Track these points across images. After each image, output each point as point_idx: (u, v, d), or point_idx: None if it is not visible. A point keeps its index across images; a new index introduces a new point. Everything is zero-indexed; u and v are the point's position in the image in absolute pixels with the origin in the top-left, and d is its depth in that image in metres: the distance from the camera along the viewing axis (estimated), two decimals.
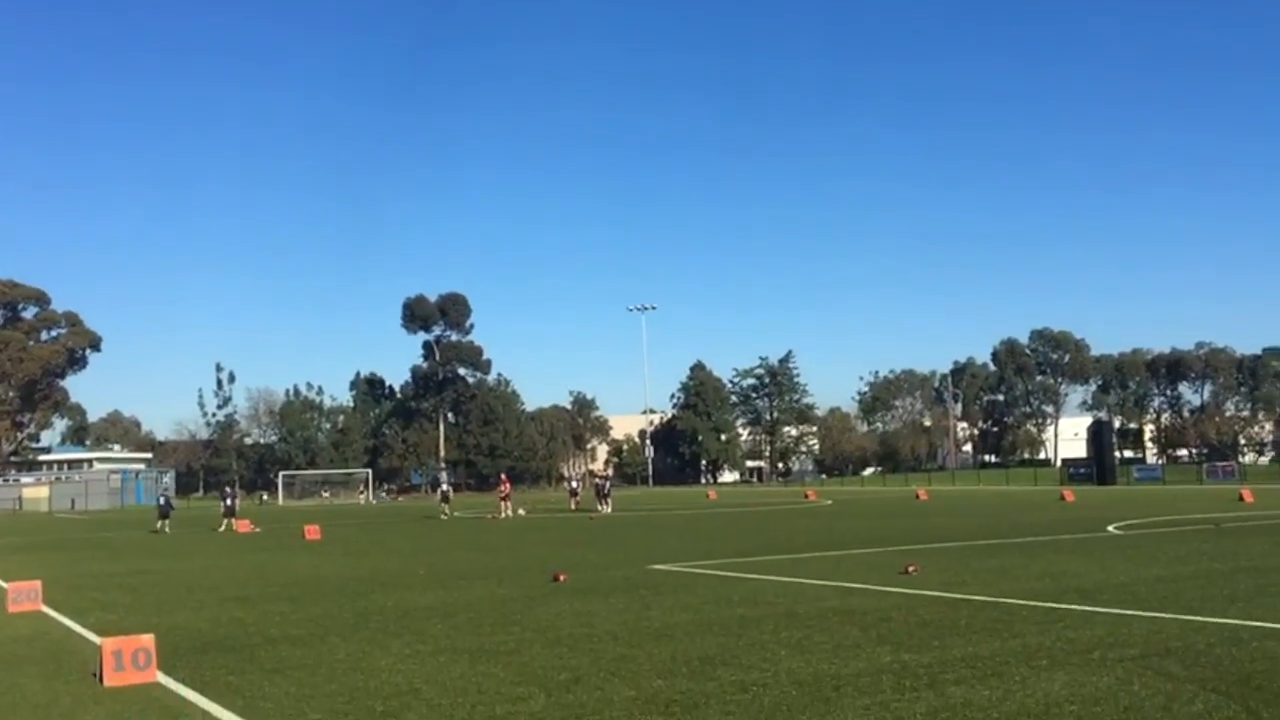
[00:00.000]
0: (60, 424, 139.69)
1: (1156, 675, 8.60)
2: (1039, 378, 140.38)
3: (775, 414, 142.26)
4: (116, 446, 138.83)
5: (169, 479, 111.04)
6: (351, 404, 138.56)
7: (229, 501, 46.17)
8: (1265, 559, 18.04)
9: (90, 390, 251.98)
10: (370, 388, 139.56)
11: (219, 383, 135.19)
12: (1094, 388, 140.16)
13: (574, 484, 62.45)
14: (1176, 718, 7.21)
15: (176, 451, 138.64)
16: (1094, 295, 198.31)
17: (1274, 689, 7.95)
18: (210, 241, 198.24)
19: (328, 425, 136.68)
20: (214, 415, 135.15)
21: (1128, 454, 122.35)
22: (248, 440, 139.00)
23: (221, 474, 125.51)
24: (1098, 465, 77.55)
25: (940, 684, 8.54)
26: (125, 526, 52.18)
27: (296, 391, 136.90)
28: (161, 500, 48.59)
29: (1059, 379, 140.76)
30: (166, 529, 43.89)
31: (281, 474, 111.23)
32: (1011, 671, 8.92)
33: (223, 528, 43.39)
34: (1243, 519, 29.90)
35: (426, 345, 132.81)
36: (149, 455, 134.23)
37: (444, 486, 58.58)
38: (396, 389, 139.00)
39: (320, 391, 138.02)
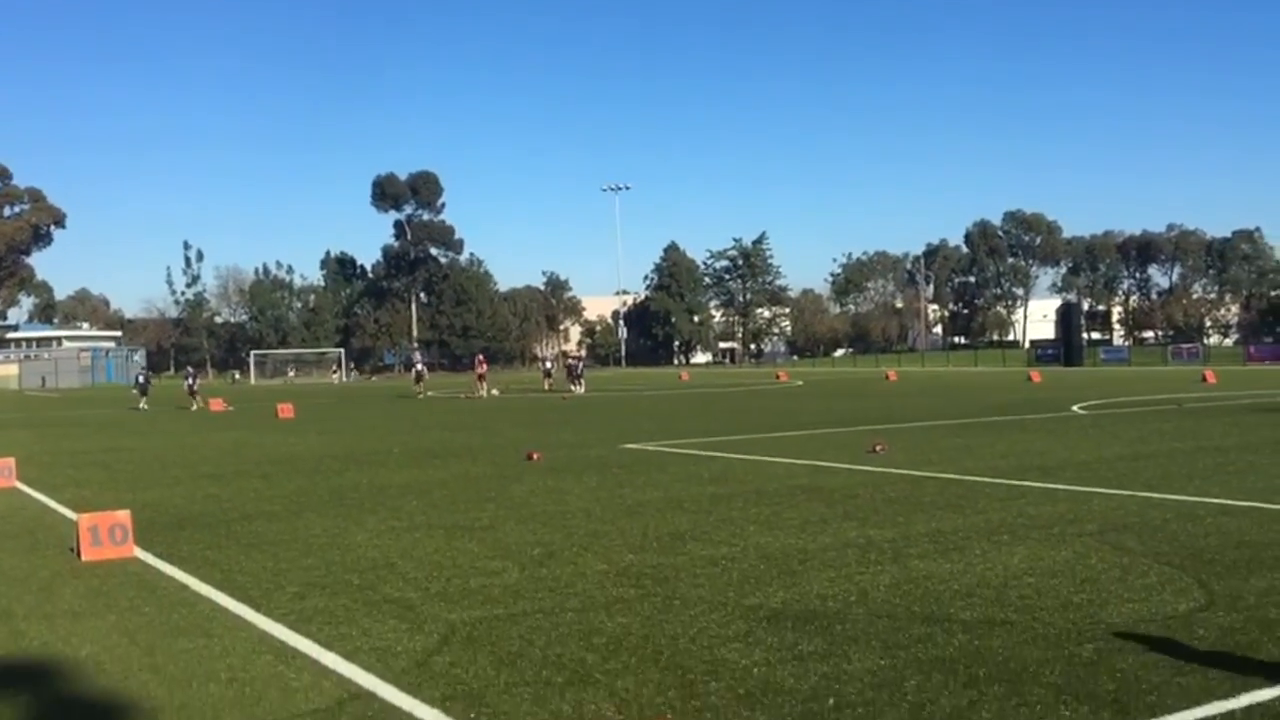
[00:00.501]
0: (27, 302, 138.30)
1: (1113, 549, 8.86)
2: (1010, 260, 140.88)
3: (748, 295, 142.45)
4: (85, 325, 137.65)
5: (140, 357, 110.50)
6: (322, 283, 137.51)
7: (189, 382, 47.50)
8: (1224, 438, 18.46)
9: (57, 268, 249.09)
10: (341, 267, 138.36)
11: (187, 261, 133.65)
12: (1064, 270, 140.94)
13: (547, 364, 62.56)
14: (1131, 589, 7.46)
15: (146, 330, 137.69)
16: (1068, 177, 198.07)
17: (1225, 562, 8.22)
18: (175, 116, 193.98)
19: (298, 304, 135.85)
20: (183, 294, 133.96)
21: (1095, 336, 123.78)
22: (218, 319, 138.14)
23: (192, 353, 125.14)
24: (1065, 347, 78.53)
25: (904, 557, 8.77)
26: (97, 404, 52.14)
27: (266, 270, 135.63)
28: (140, 379, 49.50)
29: (1030, 261, 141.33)
30: (145, 405, 44.34)
31: (253, 353, 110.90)
32: (973, 546, 9.17)
33: (194, 407, 43.66)
34: (1205, 399, 30.48)
35: (398, 224, 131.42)
36: (118, 334, 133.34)
37: (419, 366, 58.55)
38: (368, 268, 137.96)
39: (290, 270, 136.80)
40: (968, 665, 5.83)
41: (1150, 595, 7.28)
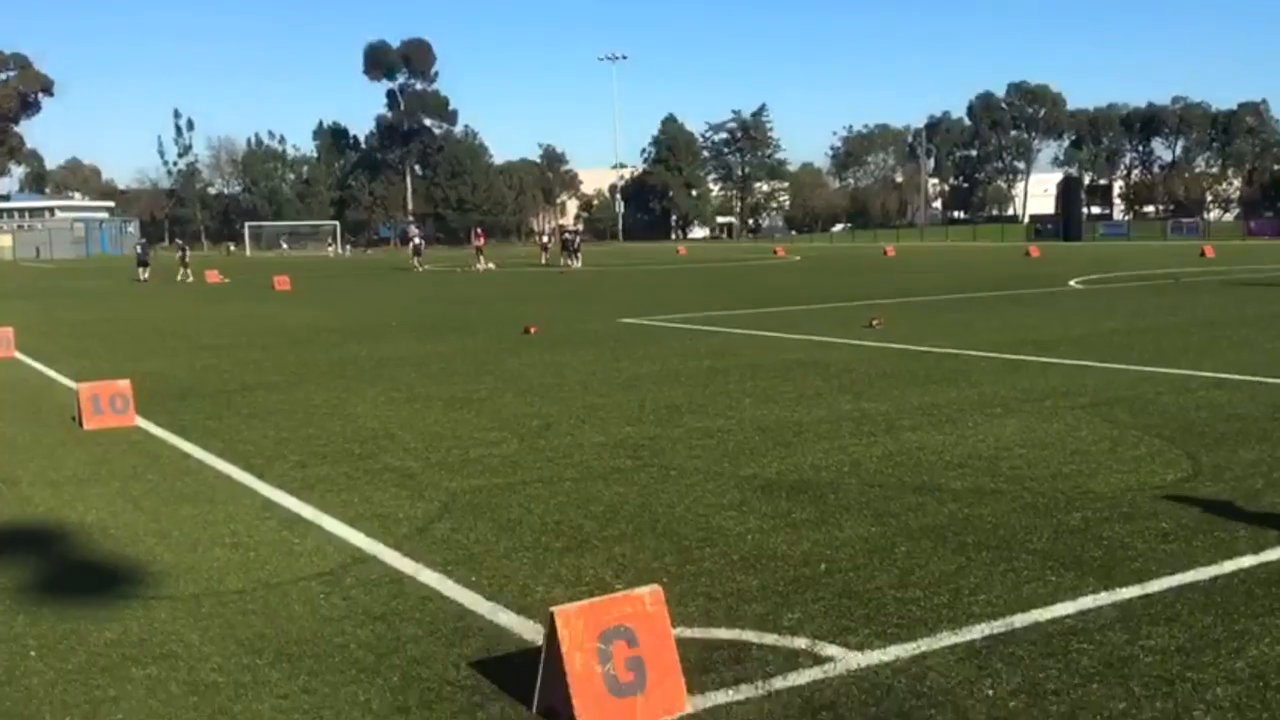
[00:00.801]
0: (18, 171, 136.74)
1: (1104, 422, 8.97)
2: (1013, 133, 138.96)
3: (747, 169, 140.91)
4: (77, 195, 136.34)
5: (134, 228, 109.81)
6: (315, 155, 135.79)
7: (179, 254, 48.44)
8: (1220, 312, 18.51)
9: (47, 137, 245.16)
10: (334, 138, 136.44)
11: (178, 130, 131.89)
12: (1067, 143, 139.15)
13: (544, 238, 62.33)
14: (1120, 460, 7.58)
15: (139, 201, 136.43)
16: (1073, 48, 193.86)
17: (1215, 434, 8.33)
18: None
19: (291, 176, 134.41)
20: (175, 164, 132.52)
21: (1095, 210, 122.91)
22: (211, 190, 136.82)
23: (186, 224, 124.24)
24: (1065, 221, 78.01)
25: (897, 429, 8.88)
26: (93, 275, 52.02)
27: (258, 140, 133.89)
28: (138, 249, 49.87)
29: (1033, 134, 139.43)
30: (146, 276, 44.59)
31: (248, 225, 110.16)
32: (966, 418, 9.27)
33: (189, 278, 43.95)
34: (1202, 274, 30.45)
35: (390, 94, 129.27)
36: (111, 204, 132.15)
37: (416, 240, 58.36)
38: (361, 140, 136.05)
39: (283, 141, 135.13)
40: (957, 533, 5.95)
41: (1139, 466, 7.40)
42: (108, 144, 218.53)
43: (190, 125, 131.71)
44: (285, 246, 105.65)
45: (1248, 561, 5.34)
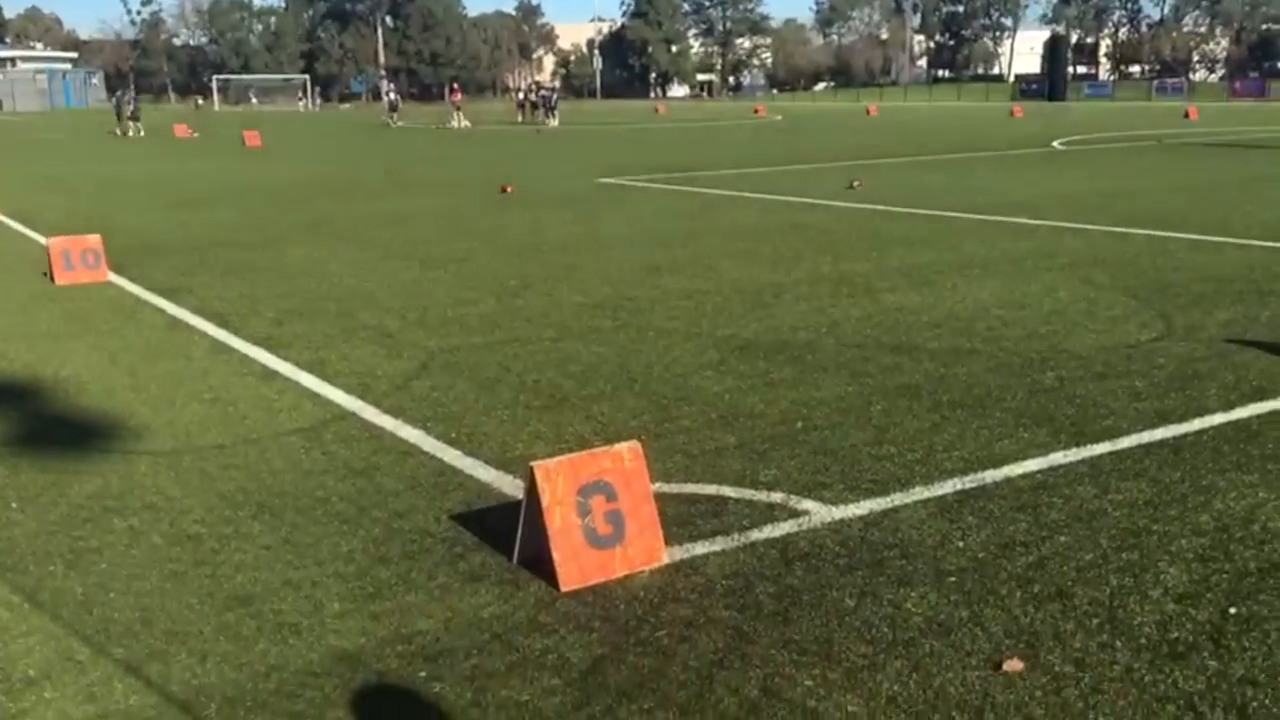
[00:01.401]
0: None
1: (1082, 283, 8.99)
2: None
3: (728, 24, 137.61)
4: (39, 45, 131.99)
5: (98, 80, 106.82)
6: (283, 4, 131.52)
7: (129, 106, 45.76)
8: (1202, 175, 18.44)
9: None
10: None
11: None
12: (1055, 0, 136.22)
13: (521, 95, 61.16)
14: (1096, 320, 7.62)
15: (102, 52, 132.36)
16: None
17: (1191, 294, 8.38)
18: None
19: (259, 27, 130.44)
20: (138, 14, 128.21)
21: (1081, 70, 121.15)
22: (176, 41, 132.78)
23: (152, 76, 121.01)
24: (1050, 81, 76.91)
25: (875, 291, 8.88)
26: (59, 128, 50.73)
27: None
28: (114, 102, 48.58)
29: None
30: (132, 130, 43.38)
31: (215, 78, 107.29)
32: (944, 280, 9.28)
33: (130, 132, 42.89)
34: (1186, 135, 30.23)
35: None
36: (74, 55, 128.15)
37: (391, 95, 57.35)
38: None
39: None
40: (932, 391, 6.01)
41: (1115, 326, 7.45)
42: None
43: None
44: (255, 101, 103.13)
45: (1217, 419, 5.43)
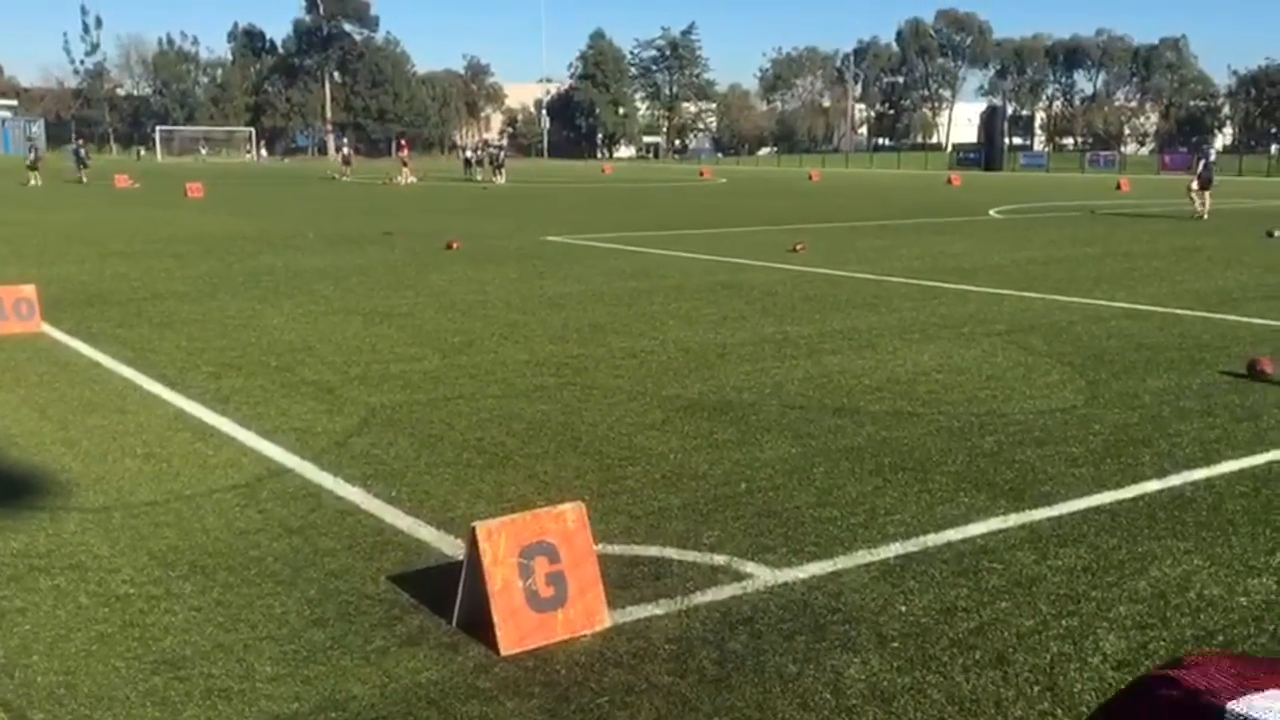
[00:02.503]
0: None
1: (1020, 349, 9.14)
2: (940, 60, 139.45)
3: (675, 89, 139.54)
4: None
5: (38, 128, 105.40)
6: (230, 58, 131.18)
7: (79, 154, 47.17)
8: (1133, 244, 18.92)
9: None
10: (250, 40, 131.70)
11: (85, 27, 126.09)
12: (992, 73, 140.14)
13: (468, 153, 61.59)
14: (1033, 386, 7.74)
15: (44, 100, 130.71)
16: None
17: (1125, 362, 8.55)
18: None
19: (205, 79, 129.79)
20: (82, 62, 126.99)
21: (1017, 141, 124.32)
22: (120, 91, 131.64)
23: (94, 125, 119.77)
24: (987, 151, 78.82)
25: (818, 353, 8.96)
26: None
27: (170, 41, 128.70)
28: (76, 150, 48.92)
29: (959, 62, 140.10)
30: (85, 178, 43.54)
31: (159, 129, 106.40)
32: (885, 343, 9.39)
33: (83, 179, 43.37)
34: (1118, 206, 31.05)
35: None
36: (14, 103, 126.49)
37: (345, 150, 58.58)
38: (278, 44, 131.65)
39: (196, 42, 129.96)
40: (875, 454, 6.05)
41: (1052, 392, 7.57)
42: (9, 40, 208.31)
43: (99, 23, 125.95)
44: (204, 152, 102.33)
45: (1152, 486, 5.51)
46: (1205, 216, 25.55)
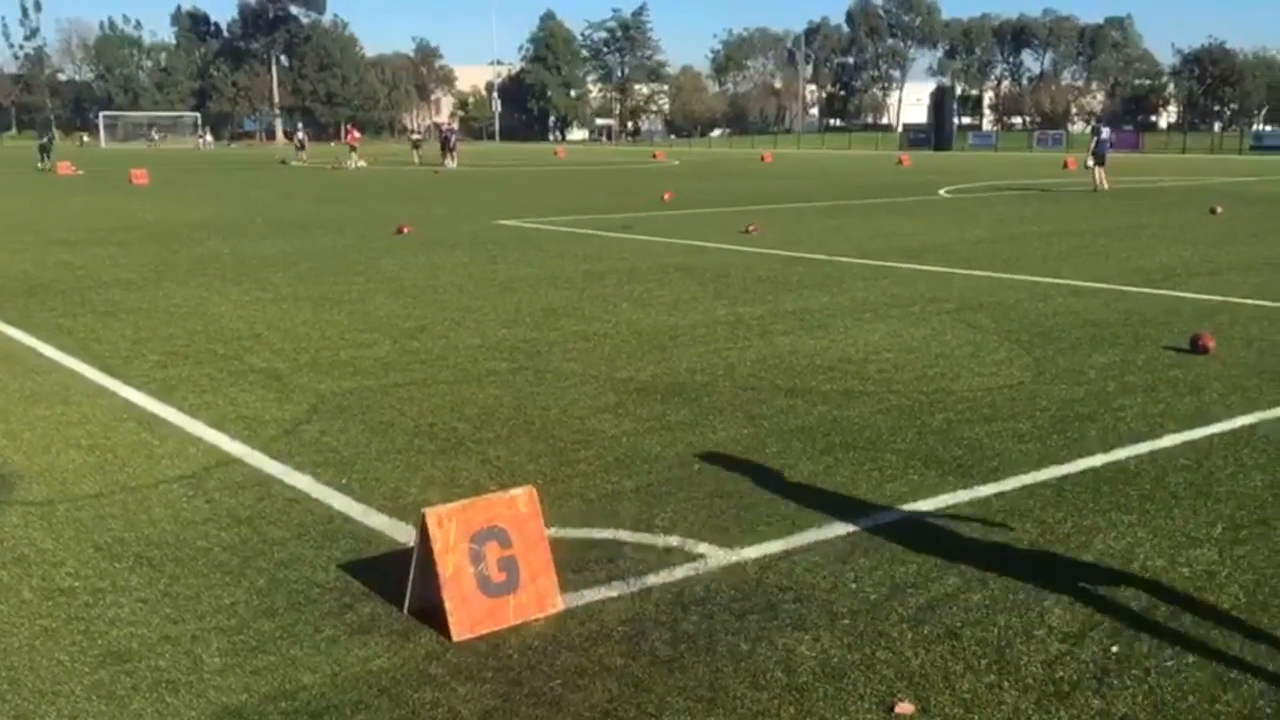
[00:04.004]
0: None
1: (968, 327, 9.24)
2: (890, 41, 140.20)
3: (626, 71, 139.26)
4: None
5: None
6: (174, 41, 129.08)
7: (45, 139, 45.24)
8: (1079, 222, 19.15)
9: None
10: (194, 24, 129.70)
11: (24, 10, 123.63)
12: (941, 53, 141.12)
13: (416, 136, 61.50)
14: (981, 364, 7.82)
15: None
16: None
17: (1071, 339, 8.66)
18: None
19: (149, 63, 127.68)
20: (21, 47, 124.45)
21: (966, 121, 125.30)
22: (61, 76, 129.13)
23: (35, 112, 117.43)
24: (936, 131, 79.36)
25: (770, 334, 9.00)
26: None
27: (112, 24, 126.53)
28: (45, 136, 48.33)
29: (908, 43, 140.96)
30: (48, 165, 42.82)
31: (102, 114, 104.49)
32: (837, 323, 9.44)
33: (46, 166, 42.41)
34: (1064, 185, 31.41)
35: None
36: None
37: (299, 135, 58.42)
38: (223, 27, 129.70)
39: (139, 26, 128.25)
40: (826, 434, 6.09)
41: (999, 369, 7.65)
42: None
43: (38, 6, 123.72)
44: (157, 139, 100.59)
45: (1097, 461, 5.59)
46: (1105, 187, 27.95)
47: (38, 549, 4.50)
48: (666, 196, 17.00)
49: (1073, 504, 4.97)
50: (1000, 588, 4.07)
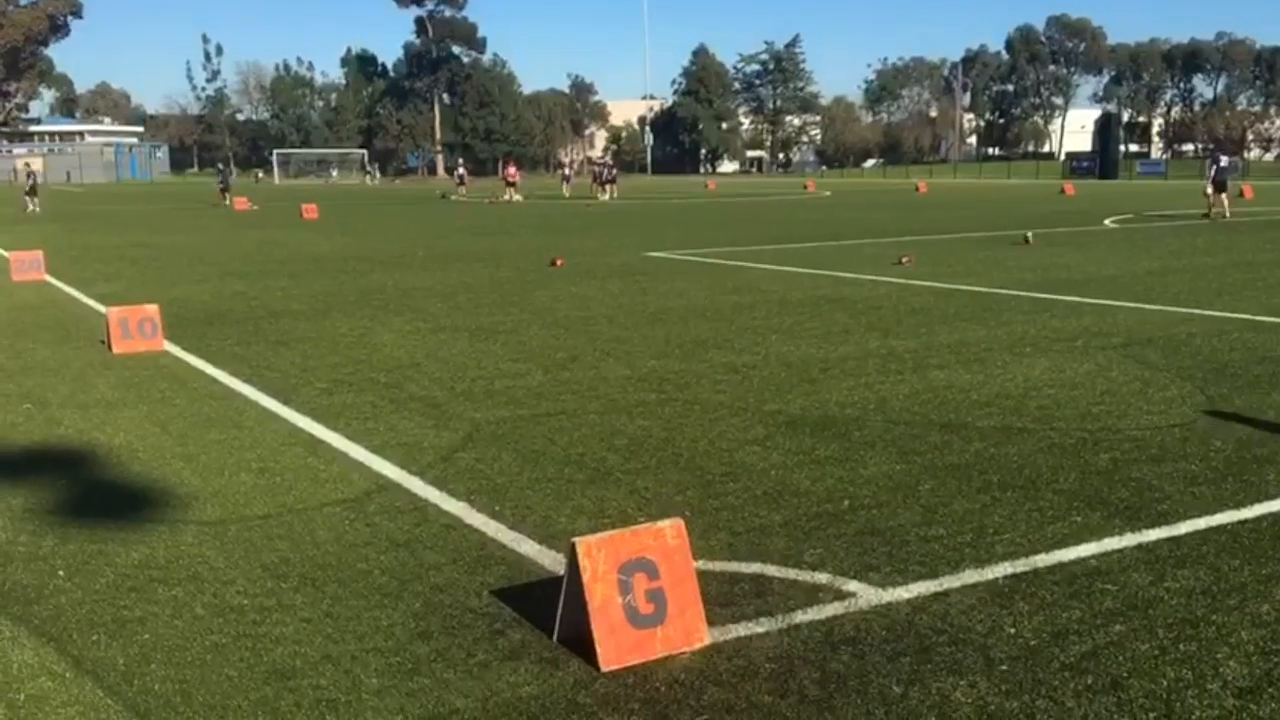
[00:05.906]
0: (48, 95, 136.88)
1: (1136, 363, 8.85)
2: (1051, 67, 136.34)
3: (778, 102, 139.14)
4: (107, 119, 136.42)
5: (163, 154, 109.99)
6: (344, 82, 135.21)
7: (224, 178, 47.76)
8: (1257, 254, 18.20)
9: (76, 62, 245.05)
10: (362, 65, 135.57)
11: (207, 55, 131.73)
12: (1106, 79, 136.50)
13: (566, 170, 63.45)
14: (1150, 401, 7.48)
15: (168, 126, 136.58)
16: None
17: (1248, 377, 8.21)
18: None
19: (320, 103, 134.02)
20: (203, 89, 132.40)
21: (1134, 148, 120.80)
22: (239, 116, 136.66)
23: (216, 150, 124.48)
24: (1101, 159, 76.79)
25: (924, 368, 8.80)
26: (122, 200, 52.15)
27: (286, 66, 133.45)
28: (221, 171, 52.55)
29: (1072, 69, 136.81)
30: (229, 201, 45.67)
31: (276, 152, 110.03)
32: (995, 358, 9.18)
33: (226, 201, 45.02)
34: (1241, 214, 29.91)
35: (419, 21, 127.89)
36: (140, 129, 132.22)
37: (461, 170, 61.74)
38: (389, 67, 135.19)
39: (311, 67, 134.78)
40: (982, 471, 5.91)
41: (1170, 408, 7.31)
42: (136, 69, 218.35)
43: (219, 51, 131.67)
44: (335, 175, 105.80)
45: (1277, 505, 5.28)
46: (1227, 216, 27.37)
47: (210, 567, 4.72)
48: (905, 260, 16.91)
49: (1250, 551, 4.69)
50: (1169, 637, 3.87)
